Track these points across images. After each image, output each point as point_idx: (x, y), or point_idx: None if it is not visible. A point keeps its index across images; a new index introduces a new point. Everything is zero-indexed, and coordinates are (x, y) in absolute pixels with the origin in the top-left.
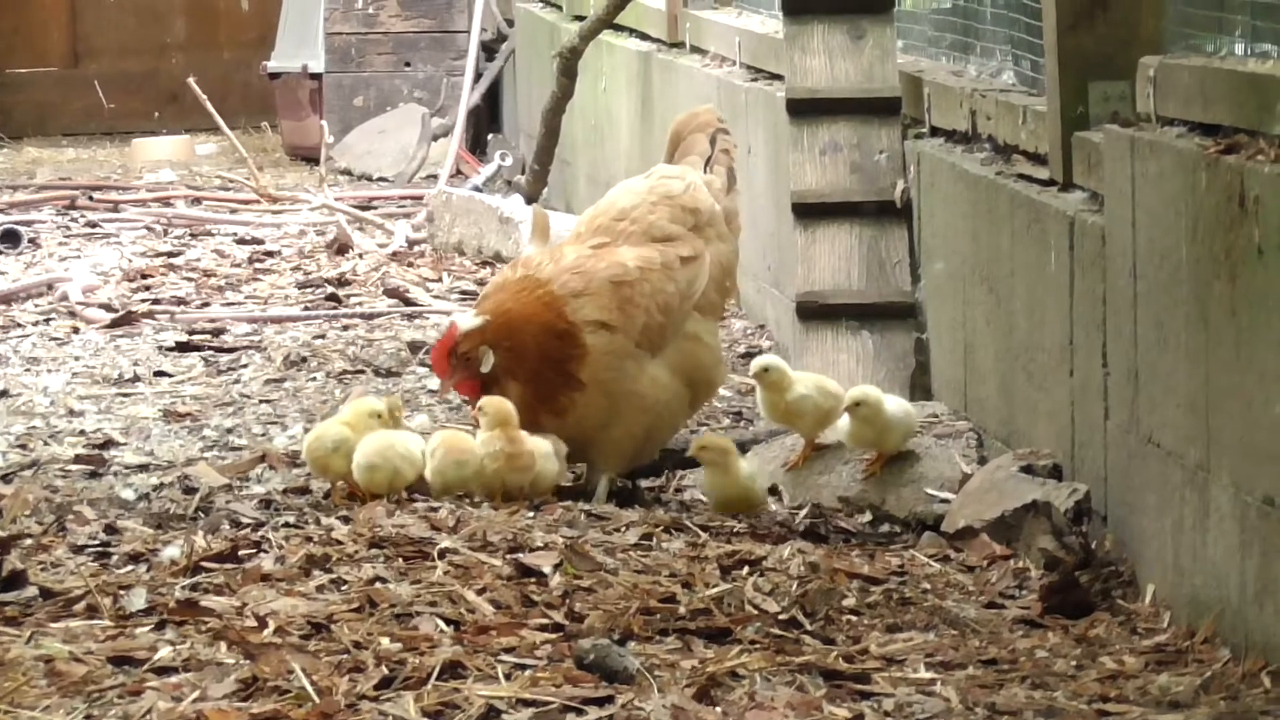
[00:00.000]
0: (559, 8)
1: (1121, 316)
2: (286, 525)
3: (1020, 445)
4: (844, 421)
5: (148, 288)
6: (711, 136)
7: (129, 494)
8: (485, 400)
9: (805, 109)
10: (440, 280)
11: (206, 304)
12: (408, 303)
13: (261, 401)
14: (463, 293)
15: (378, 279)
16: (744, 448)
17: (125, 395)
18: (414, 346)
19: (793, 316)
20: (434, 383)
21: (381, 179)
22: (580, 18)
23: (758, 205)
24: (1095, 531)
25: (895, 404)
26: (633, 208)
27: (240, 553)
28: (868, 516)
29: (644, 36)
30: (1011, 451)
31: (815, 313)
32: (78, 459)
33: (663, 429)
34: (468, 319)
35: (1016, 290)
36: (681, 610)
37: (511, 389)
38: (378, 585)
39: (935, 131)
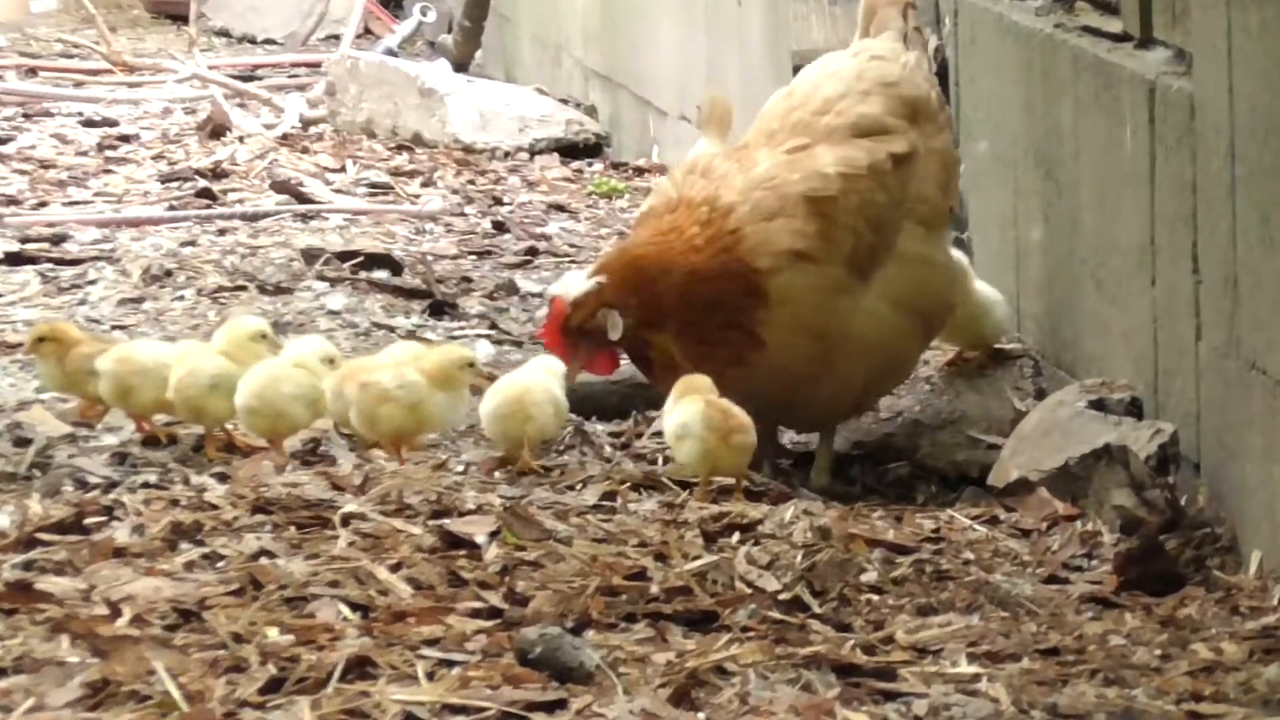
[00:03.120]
0: None
1: (1216, 208)
2: (146, 485)
3: (1088, 374)
4: None
5: None
6: (903, 9)
7: None
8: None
9: None
10: (343, 170)
11: (44, 204)
12: (302, 199)
13: (115, 327)
14: (372, 185)
15: (263, 169)
16: None
17: None
18: (309, 255)
19: None
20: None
21: (268, 41)
22: None
23: (750, 67)
24: (1185, 484)
25: (983, 286)
26: (839, 96)
27: (87, 521)
28: (903, 468)
29: None
30: (1077, 382)
31: None
32: None
33: (888, 374)
34: (575, 282)
35: (1082, 176)
36: (654, 590)
37: (668, 346)
38: (263, 561)
39: None
